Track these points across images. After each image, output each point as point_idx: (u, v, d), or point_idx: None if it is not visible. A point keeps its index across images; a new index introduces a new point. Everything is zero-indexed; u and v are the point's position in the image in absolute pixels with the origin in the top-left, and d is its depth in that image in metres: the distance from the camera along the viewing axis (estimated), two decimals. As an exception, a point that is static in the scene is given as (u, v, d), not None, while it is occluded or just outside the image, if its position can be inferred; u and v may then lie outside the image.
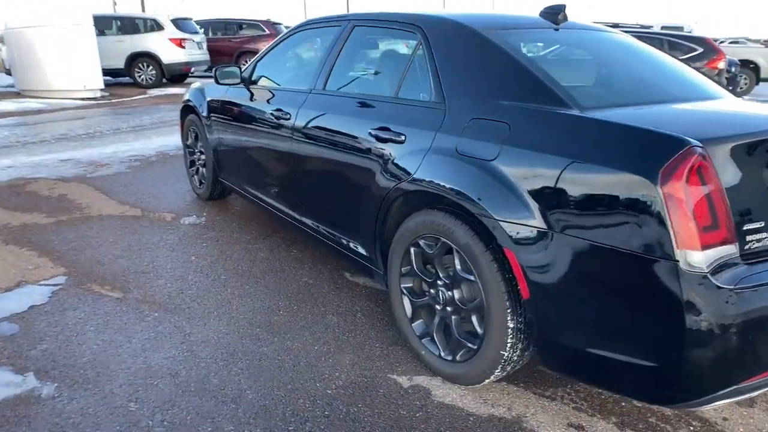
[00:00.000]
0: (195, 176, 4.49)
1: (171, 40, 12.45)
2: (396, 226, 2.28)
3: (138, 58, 12.85)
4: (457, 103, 2.03)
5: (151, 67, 12.84)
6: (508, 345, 1.86)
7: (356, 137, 2.41)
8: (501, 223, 1.76)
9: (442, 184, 1.95)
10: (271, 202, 3.32)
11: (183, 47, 12.54)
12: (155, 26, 12.82)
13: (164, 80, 13.02)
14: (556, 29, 2.42)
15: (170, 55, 12.53)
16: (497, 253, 1.83)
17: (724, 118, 1.89)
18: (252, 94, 3.42)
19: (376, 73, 2.67)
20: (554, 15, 2.45)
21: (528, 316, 1.78)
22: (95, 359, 2.27)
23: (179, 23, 12.97)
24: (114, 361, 2.27)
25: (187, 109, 4.39)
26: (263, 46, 17.17)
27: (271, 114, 3.07)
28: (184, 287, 2.93)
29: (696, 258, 1.43)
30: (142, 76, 12.90)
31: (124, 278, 3.02)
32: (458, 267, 1.99)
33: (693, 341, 1.45)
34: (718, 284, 1.43)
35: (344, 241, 2.65)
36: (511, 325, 1.83)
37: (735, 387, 1.51)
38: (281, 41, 3.36)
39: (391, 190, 2.21)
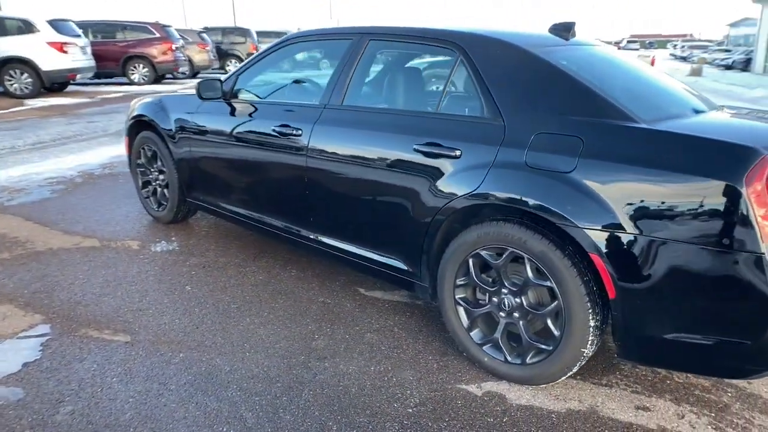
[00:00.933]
0: (151, 198, 4.13)
1: (50, 44, 11.16)
2: (447, 239, 2.32)
3: (7, 64, 11.36)
4: (518, 119, 2.11)
5: (25, 75, 11.42)
6: (589, 342, 1.99)
7: (397, 153, 2.40)
8: (586, 230, 1.87)
9: (515, 196, 2.02)
10: (265, 220, 3.16)
11: (65, 52, 11.29)
12: (26, 28, 11.41)
13: (42, 89, 11.65)
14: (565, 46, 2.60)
15: (50, 61, 11.22)
16: (575, 259, 1.95)
17: (760, 129, 2.14)
18: (235, 109, 3.24)
19: (407, 89, 2.67)
20: (565, 32, 2.63)
21: (613, 314, 1.92)
22: (140, 414, 2.04)
23: (57, 25, 11.66)
24: (163, 412, 2.05)
25: (139, 125, 4.02)
26: (155, 51, 16.21)
27: (274, 130, 2.93)
28: (196, 321, 2.71)
29: None
30: (14, 85, 11.42)
31: (122, 318, 2.72)
32: (530, 274, 2.08)
33: None
34: None
35: (377, 258, 2.62)
36: (592, 324, 1.96)
37: None
38: (269, 53, 3.21)
39: (446, 204, 2.23)
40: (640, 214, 1.80)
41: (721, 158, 1.72)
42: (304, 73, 3.66)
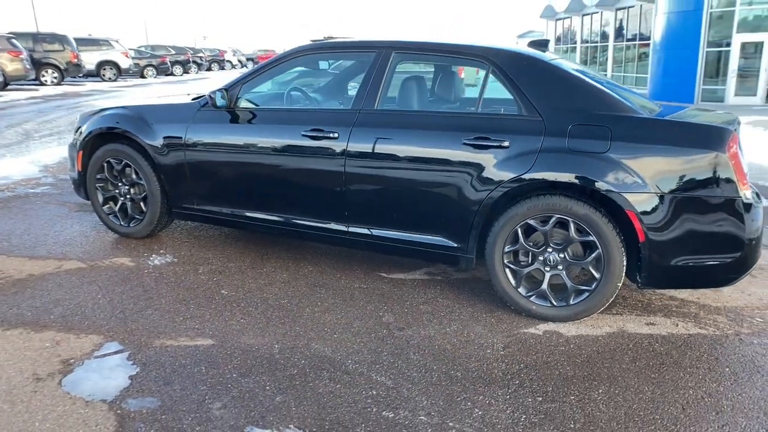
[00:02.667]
0: (117, 214, 3.90)
1: None
2: (494, 215, 2.83)
3: None
4: (553, 115, 2.71)
5: None
6: (621, 278, 2.67)
7: (445, 148, 2.84)
8: (623, 194, 2.54)
9: (565, 173, 2.62)
10: (288, 220, 3.33)
11: None
12: None
13: None
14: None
15: None
16: (611, 217, 2.62)
17: (710, 116, 3.01)
18: (247, 117, 3.35)
19: (441, 94, 3.08)
20: (543, 47, 3.32)
21: (642, 253, 2.62)
22: (294, 398, 2.18)
23: None
24: (308, 392, 2.22)
25: (103, 137, 3.79)
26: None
27: (304, 135, 3.14)
28: (261, 318, 2.82)
29: (747, 194, 2.50)
30: None
31: (186, 326, 2.71)
32: (573, 234, 2.70)
33: (749, 240, 2.52)
34: (752, 208, 2.54)
35: (422, 240, 3.02)
36: (624, 264, 2.65)
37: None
38: (277, 64, 3.37)
39: (498, 186, 2.75)
40: (659, 178, 2.53)
41: (709, 136, 2.53)
42: (303, 82, 3.85)
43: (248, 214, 3.46)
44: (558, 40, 30.85)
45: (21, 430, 1.97)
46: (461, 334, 2.72)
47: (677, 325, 2.85)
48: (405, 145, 2.96)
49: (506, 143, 2.76)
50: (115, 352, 2.48)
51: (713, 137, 2.53)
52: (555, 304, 2.82)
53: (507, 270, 2.88)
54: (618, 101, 2.74)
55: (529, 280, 2.90)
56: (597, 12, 24.74)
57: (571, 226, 2.71)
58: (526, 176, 2.70)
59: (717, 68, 15.04)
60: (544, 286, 2.84)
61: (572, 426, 2.06)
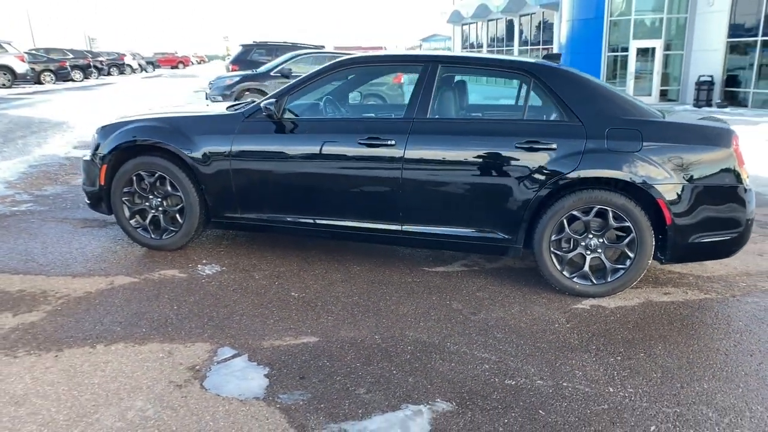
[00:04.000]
0: (148, 227, 3.86)
1: None
2: (543, 209, 3.25)
3: None
4: (592, 121, 3.18)
5: None
6: (651, 257, 3.20)
7: (499, 151, 3.22)
8: (655, 186, 3.07)
9: (607, 170, 3.09)
10: (339, 223, 3.55)
11: None
12: None
13: None
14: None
15: None
16: (644, 205, 3.13)
17: (706, 119, 3.63)
18: (297, 127, 3.54)
19: (488, 103, 3.41)
20: (556, 59, 3.80)
21: (668, 234, 3.15)
22: (418, 374, 2.45)
23: None
24: (434, 370, 2.49)
25: (128, 151, 3.74)
26: None
27: (361, 142, 3.37)
28: (345, 315, 3.05)
29: (747, 182, 3.12)
30: None
31: (279, 328, 2.87)
32: (612, 222, 3.18)
33: (747, 219, 3.15)
34: (750, 193, 3.17)
35: (475, 234, 3.37)
36: (654, 245, 3.18)
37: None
38: (324, 76, 3.56)
39: (548, 183, 3.17)
40: (682, 171, 3.08)
41: (720, 135, 3.13)
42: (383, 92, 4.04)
43: (302, 219, 3.62)
44: (465, 45, 32.51)
45: (189, 428, 2.07)
46: (526, 314, 3.12)
47: (687, 293, 3.44)
48: (460, 149, 3.30)
49: (554, 146, 3.19)
50: (234, 356, 2.59)
51: (723, 136, 3.14)
52: (595, 282, 3.30)
53: (553, 256, 3.32)
54: (641, 107, 3.28)
55: (571, 264, 3.36)
56: (502, 18, 26.45)
57: (610, 214, 3.20)
58: (573, 174, 3.15)
59: (616, 71, 16.83)
60: (586, 267, 3.31)
61: (655, 375, 2.52)
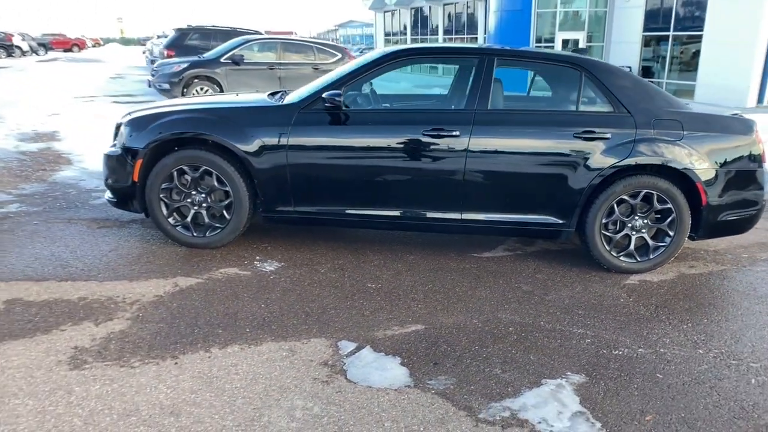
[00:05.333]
0: (190, 225, 3.67)
1: None
2: (596, 194, 3.51)
3: None
4: (640, 112, 3.47)
5: None
6: (688, 234, 3.57)
7: (559, 140, 3.43)
8: (695, 171, 3.43)
9: (653, 156, 3.40)
10: (397, 214, 3.60)
11: None
12: None
13: None
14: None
15: None
16: (682, 189, 3.49)
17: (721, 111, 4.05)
18: (357, 118, 3.54)
19: (543, 95, 3.57)
20: (584, 53, 4.06)
21: (703, 214, 3.53)
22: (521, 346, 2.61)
23: None
24: (536, 339, 2.67)
25: (169, 144, 3.53)
26: None
27: (426, 133, 3.43)
28: (429, 305, 3.15)
29: (766, 165, 3.57)
30: None
31: (392, 316, 2.90)
32: (656, 204, 3.52)
33: (764, 198, 3.61)
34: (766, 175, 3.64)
35: (532, 220, 3.57)
36: (690, 223, 3.55)
37: None
38: (379, 66, 3.55)
39: (603, 170, 3.43)
40: (716, 157, 3.48)
41: (746, 125, 3.56)
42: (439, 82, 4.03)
43: (363, 211, 3.62)
44: (387, 32, 32.75)
45: (364, 420, 2.10)
46: (589, 292, 3.38)
47: (707, 265, 3.89)
48: (522, 139, 3.48)
49: (608, 135, 3.46)
50: (358, 349, 2.60)
51: (748, 125, 3.57)
52: (639, 259, 3.64)
53: (602, 237, 3.61)
54: (675, 100, 3.64)
55: (617, 245, 3.66)
56: (426, 5, 26.95)
57: (655, 198, 3.53)
58: (626, 161, 3.44)
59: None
60: (632, 247, 3.63)
61: (729, 337, 2.87)
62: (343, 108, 3.48)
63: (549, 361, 2.59)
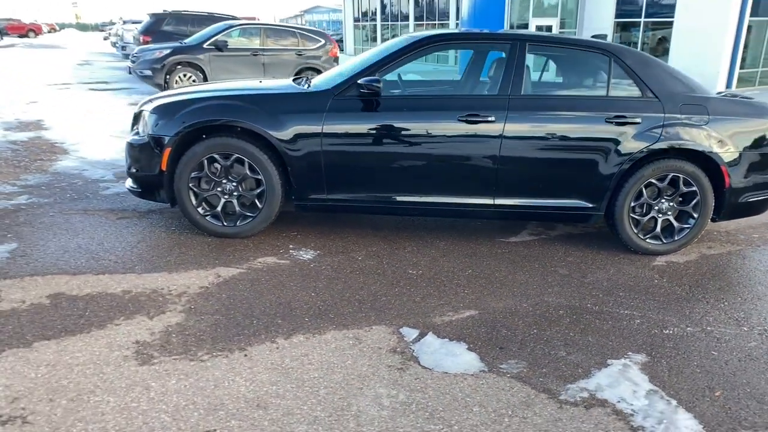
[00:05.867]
0: (219, 214, 3.58)
1: None
2: (626, 178, 3.58)
3: None
4: (668, 98, 3.55)
5: None
6: (710, 215, 3.70)
7: (591, 125, 3.49)
8: (720, 154, 3.54)
9: (682, 140, 3.50)
10: (430, 200, 3.60)
11: None
12: None
13: None
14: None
15: None
16: (706, 171, 3.60)
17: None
18: (392, 105, 3.51)
19: (574, 81, 3.60)
20: (603, 39, 4.12)
21: (726, 196, 3.65)
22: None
23: None
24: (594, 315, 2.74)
25: (197, 132, 3.43)
26: None
27: (461, 119, 3.43)
28: (480, 290, 3.17)
29: None
30: None
31: (443, 303, 2.91)
32: (682, 187, 3.62)
33: None
34: None
35: (564, 204, 3.63)
36: (714, 205, 3.67)
37: None
38: (412, 52, 3.52)
39: (633, 154, 3.50)
40: (738, 140, 3.60)
41: (764, 108, 3.66)
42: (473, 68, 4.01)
43: (397, 198, 3.61)
44: (356, 18, 32.39)
45: (452, 406, 2.11)
46: (623, 274, 3.47)
47: (723, 246, 4.04)
48: (555, 124, 3.52)
49: (638, 120, 3.53)
50: (421, 335, 2.61)
51: (765, 110, 3.69)
52: (664, 241, 3.75)
53: (630, 219, 3.70)
54: (699, 85, 3.74)
55: (644, 228, 3.76)
56: (397, -8, 26.72)
57: (681, 181, 3.64)
58: (656, 146, 3.53)
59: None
60: (658, 229, 3.74)
61: (766, 314, 3.00)
62: (380, 94, 3.44)
63: (608, 342, 2.65)
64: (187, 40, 10.73)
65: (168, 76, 9.86)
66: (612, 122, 3.54)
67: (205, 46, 10.17)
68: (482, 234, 4.04)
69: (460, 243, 3.84)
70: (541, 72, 3.90)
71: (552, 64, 3.96)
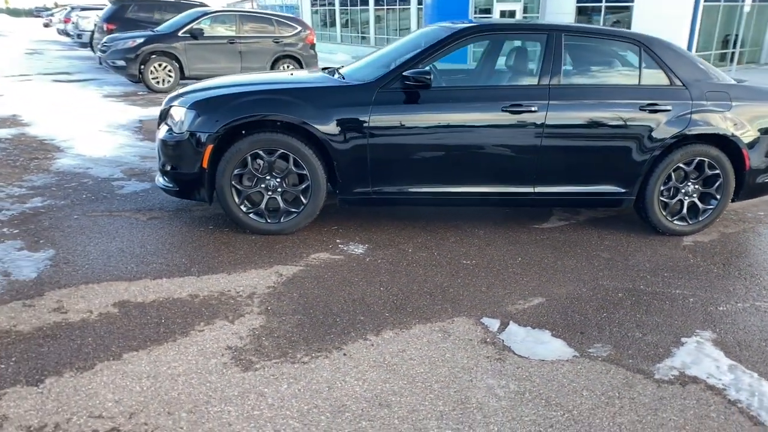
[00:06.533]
0: (264, 212, 3.52)
1: None
2: (656, 163, 3.73)
3: None
4: (694, 86, 3.72)
5: None
6: (731, 197, 3.91)
7: (627, 113, 3.61)
8: (741, 138, 3.74)
9: (709, 126, 3.67)
10: (474, 190, 3.66)
11: None
12: None
13: None
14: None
15: None
16: (728, 155, 3.79)
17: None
18: (438, 97, 3.52)
19: (607, 70, 3.70)
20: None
21: (746, 178, 3.86)
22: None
23: None
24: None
25: (239, 128, 3.34)
26: None
27: (505, 109, 3.48)
28: (541, 279, 3.26)
29: None
30: None
31: (507, 292, 2.98)
32: (707, 170, 3.80)
33: None
34: None
35: (598, 190, 3.75)
36: (734, 187, 3.88)
37: None
38: (452, 43, 3.53)
39: (665, 140, 3.65)
40: (757, 125, 3.80)
41: (779, 94, 3.90)
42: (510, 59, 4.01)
43: (440, 189, 3.63)
44: (314, 4, 31.81)
45: (562, 391, 2.18)
46: (660, 255, 3.64)
47: (738, 225, 4.28)
48: (593, 113, 3.63)
49: (669, 107, 3.68)
50: (504, 324, 2.67)
51: (781, 95, 3.94)
52: (690, 222, 3.95)
53: (660, 201, 3.86)
54: (719, 72, 3.92)
55: (670, 210, 3.93)
56: (357, -25, 26.36)
57: (706, 164, 3.82)
58: (685, 132, 3.69)
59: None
60: (684, 210, 3.92)
61: (799, 288, 3.23)
62: (429, 86, 3.44)
63: (674, 322, 2.79)
64: (159, 28, 10.28)
65: (143, 67, 9.44)
66: (646, 110, 3.68)
67: (179, 34, 9.78)
68: (515, 221, 4.13)
69: (498, 231, 3.92)
70: (573, 62, 3.99)
71: (585, 54, 4.06)
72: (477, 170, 3.66)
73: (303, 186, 3.56)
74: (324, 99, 3.47)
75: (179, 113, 3.54)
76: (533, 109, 3.57)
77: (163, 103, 3.90)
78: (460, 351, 2.44)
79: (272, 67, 10.72)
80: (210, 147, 3.40)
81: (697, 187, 3.91)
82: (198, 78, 10.38)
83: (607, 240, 3.85)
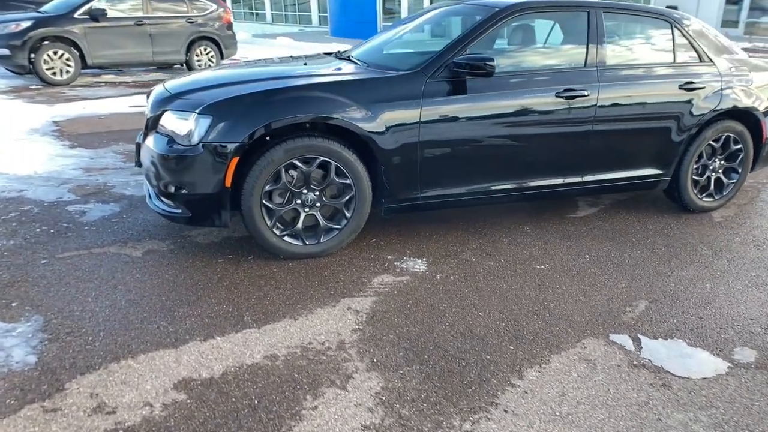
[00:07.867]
0: (300, 232, 2.92)
1: None
2: (691, 141, 3.64)
3: None
4: (721, 63, 3.66)
5: None
6: (748, 170, 3.95)
7: (668, 91, 3.48)
8: (761, 110, 3.76)
9: (737, 103, 3.64)
10: (528, 185, 3.37)
11: None
12: None
13: None
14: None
15: None
16: (749, 128, 3.81)
17: None
18: (499, 84, 3.14)
19: (645, 49, 3.49)
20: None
21: (763, 149, 3.91)
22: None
23: None
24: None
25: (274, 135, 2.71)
26: None
27: (559, 95, 3.17)
28: (590, 271, 2.99)
29: None
30: None
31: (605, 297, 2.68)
32: (732, 146, 3.80)
33: None
34: None
35: (637, 174, 3.60)
36: (750, 161, 3.92)
37: None
38: (495, 24, 3.13)
39: (700, 119, 3.56)
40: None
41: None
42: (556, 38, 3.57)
43: (494, 187, 3.27)
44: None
45: (742, 412, 1.96)
46: (705, 236, 3.58)
47: (746, 197, 4.38)
48: (640, 93, 3.46)
49: (703, 85, 3.59)
50: (635, 340, 2.40)
51: (790, 67, 4.02)
52: (716, 198, 3.95)
53: (693, 179, 3.81)
54: (733, 45, 3.90)
55: (701, 188, 3.89)
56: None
57: (731, 140, 3.82)
58: (719, 108, 3.64)
59: (392, 8, 17.82)
60: (711, 187, 3.91)
61: None
62: (490, 74, 3.01)
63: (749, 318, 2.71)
64: (47, 8, 8.66)
65: (33, 55, 7.91)
66: (684, 88, 3.56)
67: (76, 15, 8.30)
68: (548, 213, 3.87)
69: (541, 226, 3.64)
70: (613, 41, 3.76)
71: (622, 32, 3.85)
72: (531, 163, 3.34)
73: (346, 197, 3.02)
74: (368, 93, 2.91)
75: (182, 120, 2.80)
76: (585, 93, 3.29)
77: (148, 109, 3.12)
78: (621, 383, 2.13)
79: (188, 51, 9.57)
80: (235, 160, 2.73)
81: (722, 162, 3.92)
82: (102, 67, 9.04)
83: (648, 223, 3.74)
